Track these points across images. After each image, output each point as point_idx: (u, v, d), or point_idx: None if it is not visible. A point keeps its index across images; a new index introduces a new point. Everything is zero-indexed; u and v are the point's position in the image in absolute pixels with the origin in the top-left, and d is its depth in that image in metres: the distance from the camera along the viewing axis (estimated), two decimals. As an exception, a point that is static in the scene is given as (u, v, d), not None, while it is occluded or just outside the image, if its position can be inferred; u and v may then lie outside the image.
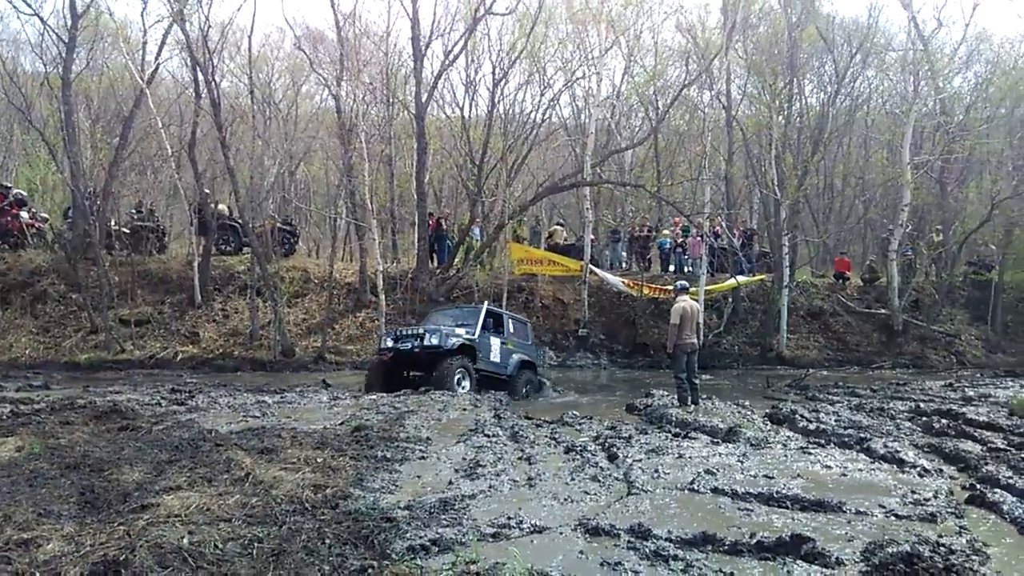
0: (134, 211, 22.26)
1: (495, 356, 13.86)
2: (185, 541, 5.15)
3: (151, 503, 5.98)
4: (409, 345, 13.10)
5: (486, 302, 15.48)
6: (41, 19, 21.08)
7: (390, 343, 13.43)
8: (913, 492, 7.22)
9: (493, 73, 24.35)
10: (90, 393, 12.63)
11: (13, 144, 29.60)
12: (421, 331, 13.14)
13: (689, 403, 11.95)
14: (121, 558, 4.76)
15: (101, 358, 17.49)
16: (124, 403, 11.13)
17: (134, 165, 22.86)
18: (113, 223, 21.20)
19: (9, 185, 21.54)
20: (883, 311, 22.23)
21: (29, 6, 20.72)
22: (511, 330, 14.64)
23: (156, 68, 22.50)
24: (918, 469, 8.12)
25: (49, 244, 21.01)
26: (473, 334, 13.43)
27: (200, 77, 19.68)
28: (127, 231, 21.20)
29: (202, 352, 18.24)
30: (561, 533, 5.93)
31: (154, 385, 13.98)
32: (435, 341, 12.95)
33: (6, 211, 20.58)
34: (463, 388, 12.78)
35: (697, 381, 12.30)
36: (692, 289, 19.23)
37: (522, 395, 14.11)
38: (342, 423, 10.19)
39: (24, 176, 25.19)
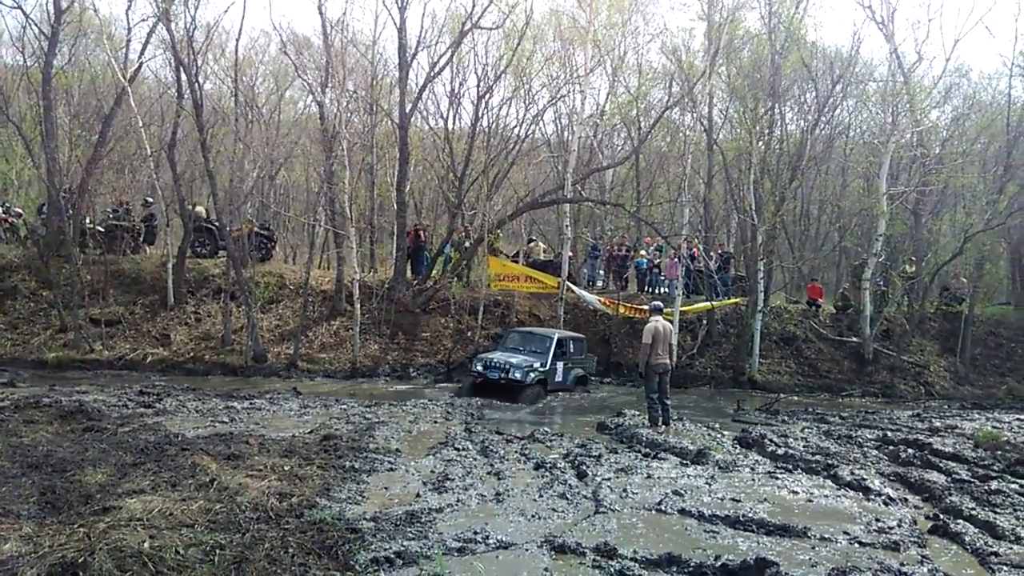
0: (110, 210, 22.00)
1: (559, 377, 16.84)
2: (146, 545, 5.10)
3: (113, 506, 5.93)
4: (496, 376, 15.71)
5: (556, 333, 17.36)
6: (23, 11, 21.10)
7: (480, 368, 16.10)
8: (878, 520, 7.30)
9: (478, 87, 24.40)
10: (56, 392, 12.49)
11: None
12: (507, 365, 15.66)
13: (660, 423, 11.99)
14: (80, 560, 4.72)
15: (69, 357, 17.21)
16: (90, 404, 11.03)
17: (112, 163, 22.56)
18: (88, 221, 20.95)
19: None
20: (854, 339, 22.43)
21: (12, -2, 20.53)
22: (571, 350, 17.37)
23: (139, 67, 22.32)
24: (883, 497, 8.22)
25: (22, 240, 20.71)
26: (545, 365, 16.16)
27: (183, 78, 19.52)
28: (102, 229, 20.95)
29: (172, 355, 18.01)
30: (527, 550, 5.95)
31: (122, 386, 13.81)
32: (518, 376, 15.56)
33: (-22, 204, 20.33)
34: (536, 405, 15.47)
35: (669, 401, 12.37)
36: (667, 310, 19.41)
37: (575, 395, 17.18)
38: (311, 431, 10.15)
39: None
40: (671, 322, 12.69)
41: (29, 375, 15.60)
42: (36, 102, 20.40)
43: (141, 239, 22.32)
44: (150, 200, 22.85)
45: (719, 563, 5.71)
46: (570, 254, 22.02)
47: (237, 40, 21.61)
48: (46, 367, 16.70)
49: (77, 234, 19.55)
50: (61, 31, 19.97)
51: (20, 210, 21.95)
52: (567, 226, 22.01)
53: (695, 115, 22.05)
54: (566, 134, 27.49)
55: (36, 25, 20.57)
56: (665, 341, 12.07)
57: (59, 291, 18.40)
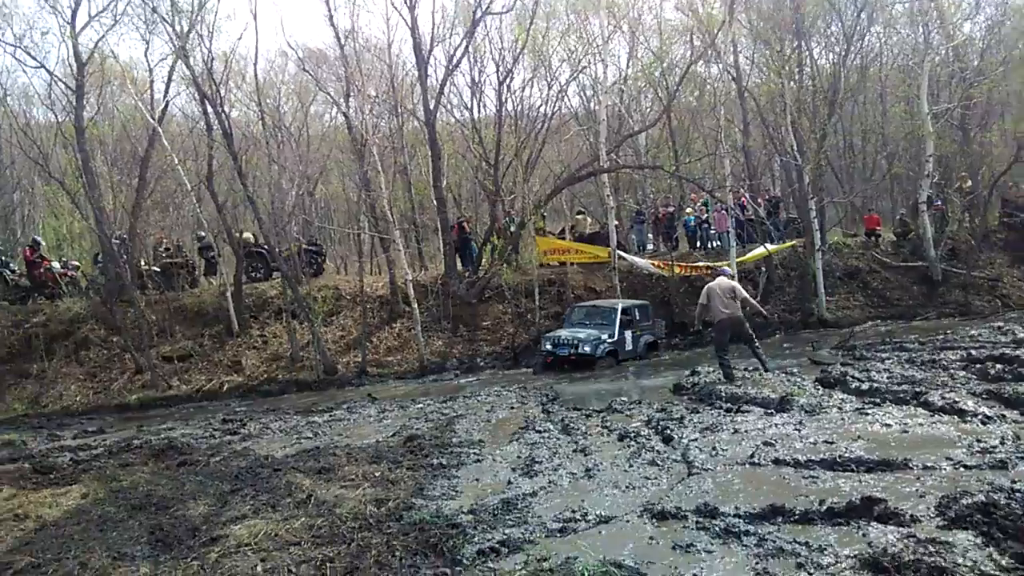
0: (162, 249, 22.52)
1: (629, 345, 16.92)
2: (259, 569, 5.22)
3: (220, 535, 6.05)
4: (566, 352, 15.94)
5: (620, 303, 17.52)
6: (47, 70, 21.42)
7: (549, 347, 16.34)
8: (978, 441, 7.10)
9: (498, 72, 24.26)
10: (144, 432, 12.82)
11: (36, 196, 30.08)
12: (575, 340, 15.80)
13: (735, 378, 11.88)
14: (200, 591, 4.83)
15: (150, 397, 17.69)
16: (179, 439, 11.30)
17: (156, 203, 23.06)
18: (143, 263, 21.47)
19: (39, 239, 21.87)
20: (920, 263, 21.91)
21: (34, 58, 21.05)
22: (638, 317, 17.50)
23: (166, 106, 22.69)
24: (979, 417, 7.99)
25: (83, 291, 21.28)
26: (614, 336, 16.30)
27: (209, 109, 19.82)
28: (157, 269, 21.45)
29: (247, 380, 18.39)
30: (628, 521, 5.92)
31: (205, 418, 14.15)
32: (588, 350, 15.77)
33: (38, 263, 20.92)
34: (609, 376, 15.33)
35: (759, 348, 12.39)
36: (724, 262, 19.18)
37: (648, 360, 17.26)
38: (394, 435, 10.26)
39: (50, 227, 25.52)
40: (729, 278, 12.60)
41: (115, 420, 16.06)
42: (73, 155, 20.87)
43: (201, 272, 22.82)
44: (202, 234, 23.30)
45: (825, 507, 5.61)
46: (616, 223, 21.86)
47: (255, 64, 21.93)
48: (129, 410, 17.19)
49: (135, 277, 20.04)
50: (86, 82, 20.36)
51: (77, 263, 22.54)
52: (608, 196, 21.84)
53: (721, 66, 21.69)
54: (592, 105, 27.22)
55: (61, 81, 21.05)
56: (723, 297, 11.98)
57: (128, 335, 18.89)
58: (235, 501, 7.13)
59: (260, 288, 21.54)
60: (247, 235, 22.33)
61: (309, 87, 28.31)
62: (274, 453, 9.61)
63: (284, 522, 6.23)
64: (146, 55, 25.14)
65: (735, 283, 12.62)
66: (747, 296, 12.46)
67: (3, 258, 22.26)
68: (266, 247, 21.11)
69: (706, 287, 12.44)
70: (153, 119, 20.82)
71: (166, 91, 21.93)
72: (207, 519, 6.64)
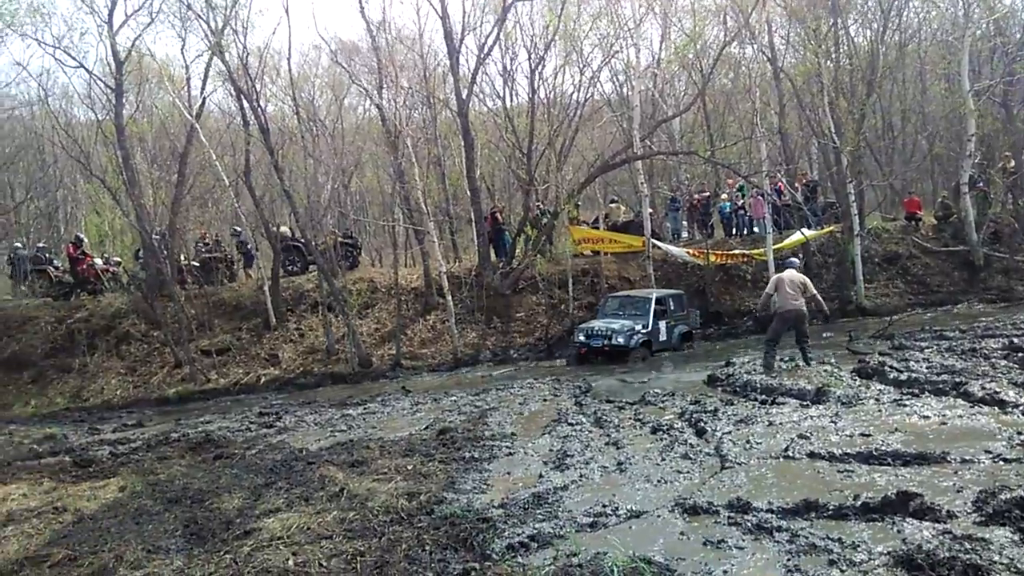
0: (202, 244, 22.86)
1: (663, 336, 16.69)
2: (291, 563, 5.27)
3: (253, 528, 6.13)
4: (600, 343, 15.73)
5: (654, 293, 17.38)
6: (87, 69, 21.78)
7: (583, 338, 16.10)
8: (1019, 433, 6.95)
9: (529, 60, 24.21)
10: (182, 426, 13.04)
11: (78, 194, 30.71)
12: (608, 331, 15.61)
13: (775, 369, 11.82)
14: (232, 586, 4.90)
15: (188, 390, 17.99)
16: (216, 432, 11.48)
17: (195, 199, 23.38)
18: (183, 258, 21.81)
19: (82, 236, 22.33)
20: (962, 247, 21.40)
21: (74, 58, 21.39)
22: (672, 307, 17.32)
23: (203, 102, 22.91)
24: (1021, 408, 7.81)
25: (125, 286, 21.68)
26: (648, 327, 16.06)
27: (245, 105, 20.02)
28: (197, 264, 21.79)
29: (283, 373, 18.62)
30: (659, 516, 5.88)
31: (242, 411, 14.34)
32: (621, 341, 15.51)
33: (81, 259, 21.36)
34: (643, 367, 15.07)
35: (807, 343, 12.23)
36: (759, 250, 18.96)
37: (682, 351, 17.19)
38: (427, 428, 10.30)
39: (93, 224, 26.01)
40: (798, 271, 12.49)
41: (154, 413, 16.37)
42: (113, 153, 21.21)
43: (240, 266, 23.13)
44: (238, 229, 23.58)
45: (859, 502, 5.52)
46: (650, 211, 21.68)
47: (288, 59, 22.13)
48: (168, 403, 17.50)
49: (175, 272, 20.37)
50: (124, 81, 20.67)
51: (119, 258, 22.97)
52: (642, 183, 21.68)
53: (756, 46, 21.33)
54: (625, 90, 27.02)
55: (100, 80, 21.42)
56: (791, 288, 11.88)
57: (168, 329, 19.22)
58: (269, 494, 7.23)
59: (297, 282, 21.78)
60: (284, 229, 22.58)
61: (342, 80, 28.47)
62: (308, 446, 9.72)
63: (316, 515, 6.30)
64: (182, 52, 25.83)
65: (805, 276, 12.49)
66: (816, 292, 12.30)
67: (47, 255, 22.81)
68: (302, 241, 21.33)
69: (775, 276, 12.50)
70: (191, 115, 21.06)
71: (203, 87, 22.19)
72: (241, 512, 6.74)
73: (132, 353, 19.62)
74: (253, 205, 21.54)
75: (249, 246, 22.97)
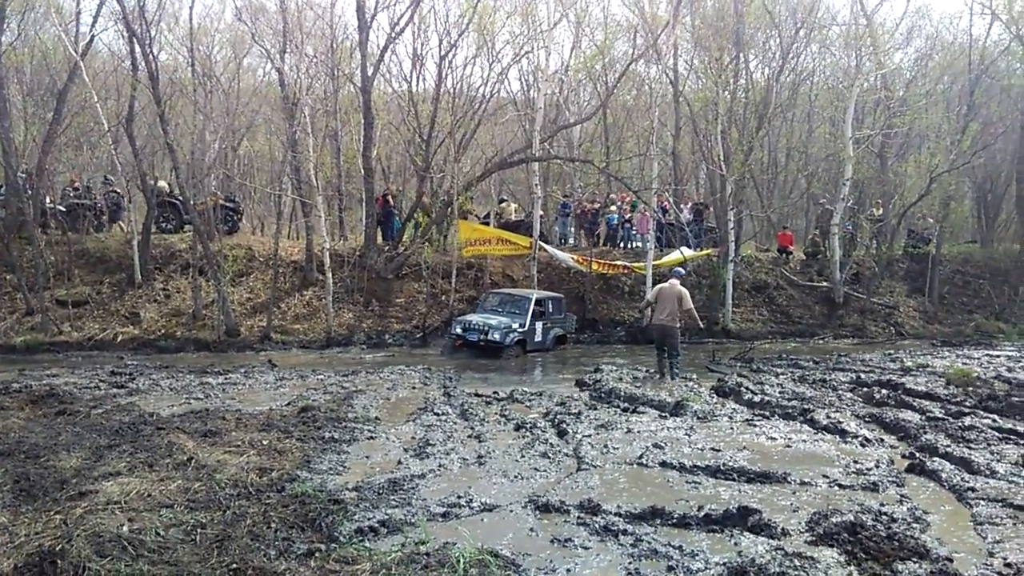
0: (70, 189, 21.50)
1: (539, 337, 16.89)
2: (125, 529, 5.02)
3: (89, 490, 5.83)
4: (475, 338, 15.82)
5: (534, 294, 17.54)
6: (-34, -12, 20.12)
7: (459, 331, 16.19)
8: (856, 462, 7.40)
9: (440, 46, 24.00)
10: (26, 377, 12.26)
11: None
12: (486, 326, 15.75)
13: (665, 377, 12.29)
14: (57, 548, 4.62)
15: (37, 340, 16.88)
16: (61, 387, 10.85)
17: (69, 141, 21.98)
18: (48, 200, 20.45)
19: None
20: (825, 284, 22.67)
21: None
22: (550, 310, 17.54)
23: (91, 40, 21.61)
24: (860, 439, 8.34)
25: (-21, 223, 20.19)
26: (524, 326, 16.25)
27: (137, 49, 18.96)
28: (63, 209, 20.49)
29: (143, 333, 17.74)
30: (511, 511, 5.94)
31: (93, 368, 13.59)
32: (497, 337, 15.64)
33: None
34: (515, 366, 15.34)
35: (676, 359, 12.72)
36: (640, 264, 19.47)
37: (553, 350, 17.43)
38: (288, 404, 10.07)
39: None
40: (679, 286, 12.84)
41: (-3, 360, 15.30)
42: (-14, 82, 19.71)
43: (105, 218, 21.86)
44: (111, 178, 22.34)
45: (702, 513, 5.76)
46: (541, 213, 21.92)
47: (191, 8, 21.32)
48: (14, 352, 16.36)
49: (38, 215, 19.06)
50: (8, 6, 19.24)
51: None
52: (537, 185, 21.87)
53: (660, 67, 21.88)
54: (532, 92, 27.22)
55: (-20, 1, 19.83)
56: (667, 300, 12.27)
57: (23, 274, 18.00)
58: (111, 457, 6.87)
59: (169, 240, 20.82)
60: (162, 184, 21.52)
61: (244, 38, 27.34)
62: (160, 411, 9.31)
63: (159, 483, 6.04)
64: (75, -17, 23.94)
65: (684, 290, 12.76)
66: (692, 308, 12.67)
67: None
68: (181, 198, 20.39)
69: (658, 287, 12.91)
70: (76, 52, 19.81)
71: (93, 24, 21.01)
72: (78, 472, 6.39)
73: (-22, 294, 18.27)
74: (132, 155, 20.43)
75: (120, 198, 21.76)
